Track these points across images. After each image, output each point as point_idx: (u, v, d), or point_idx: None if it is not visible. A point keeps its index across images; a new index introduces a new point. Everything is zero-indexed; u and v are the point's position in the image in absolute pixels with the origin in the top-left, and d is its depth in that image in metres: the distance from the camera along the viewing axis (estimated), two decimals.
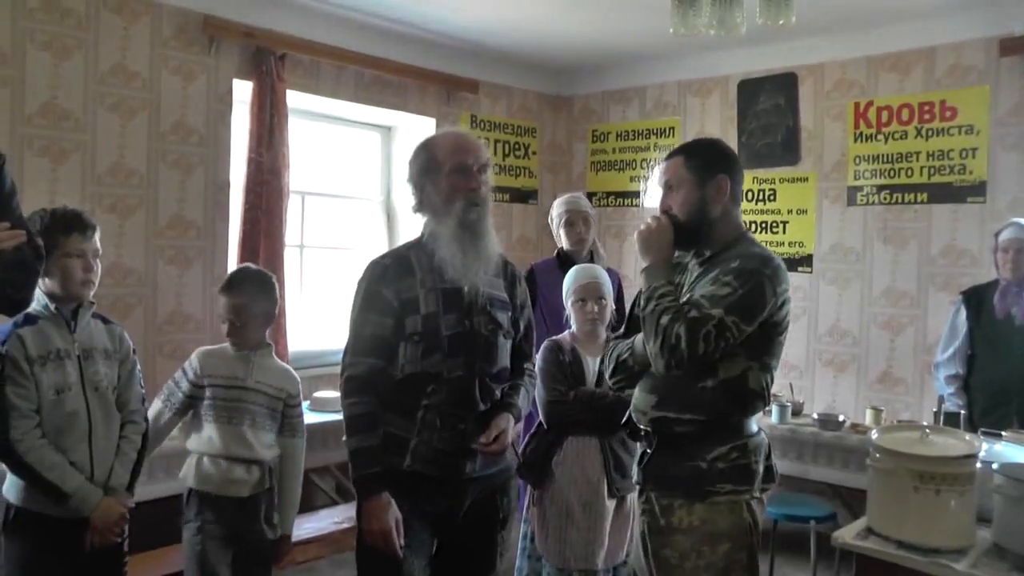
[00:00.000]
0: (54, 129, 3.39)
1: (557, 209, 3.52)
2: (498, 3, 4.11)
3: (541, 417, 2.72)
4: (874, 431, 2.10)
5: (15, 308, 1.91)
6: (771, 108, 4.72)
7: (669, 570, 1.89)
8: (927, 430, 2.01)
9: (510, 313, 2.20)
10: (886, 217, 4.35)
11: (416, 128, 4.79)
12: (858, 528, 2.02)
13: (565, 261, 3.37)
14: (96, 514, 2.11)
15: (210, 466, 2.41)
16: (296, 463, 2.59)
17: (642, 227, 1.98)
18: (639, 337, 1.95)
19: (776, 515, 3.49)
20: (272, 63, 3.95)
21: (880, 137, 4.36)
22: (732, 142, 4.42)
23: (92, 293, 2.20)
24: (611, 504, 2.65)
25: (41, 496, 2.06)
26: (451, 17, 4.34)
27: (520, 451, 2.64)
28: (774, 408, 3.90)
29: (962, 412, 2.99)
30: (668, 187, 2.01)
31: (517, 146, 5.46)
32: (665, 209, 2.00)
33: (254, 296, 2.49)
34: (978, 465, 1.91)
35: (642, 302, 1.90)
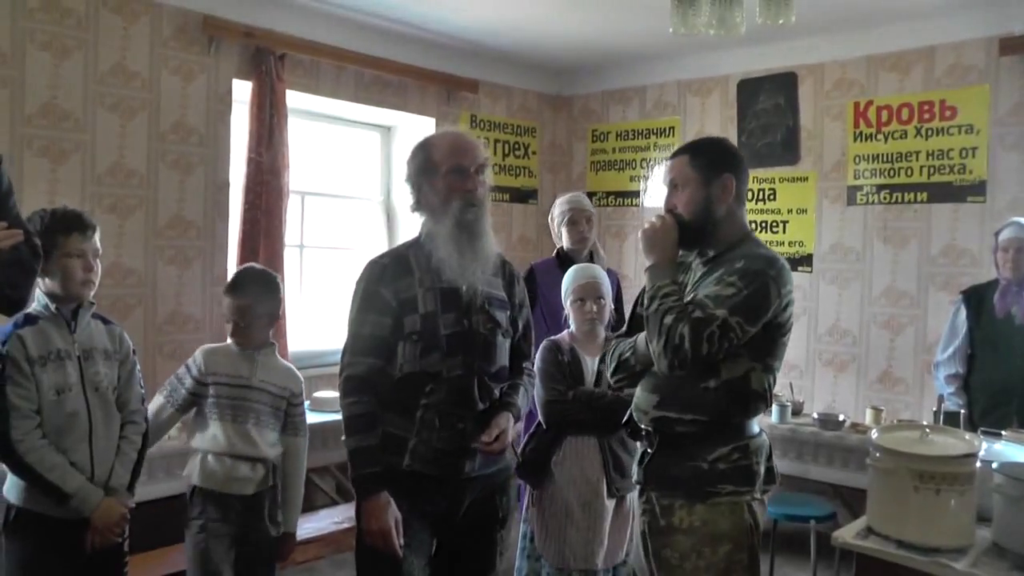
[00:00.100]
0: (54, 129, 3.39)
1: (560, 208, 3.52)
2: (498, 3, 4.11)
3: (540, 417, 2.72)
4: (874, 431, 2.10)
5: (13, 308, 1.91)
6: (771, 108, 4.72)
7: (669, 570, 1.89)
8: (927, 430, 2.01)
9: (508, 312, 2.20)
10: (886, 217, 4.35)
11: (416, 128, 4.79)
12: (858, 528, 2.02)
13: (565, 261, 3.36)
14: (97, 514, 2.11)
15: (215, 464, 2.41)
16: (299, 461, 2.59)
17: (646, 225, 1.97)
18: (642, 336, 1.95)
19: (776, 515, 3.49)
20: (272, 63, 3.95)
21: (880, 137, 4.36)
22: (732, 142, 4.41)
23: (92, 293, 2.20)
24: (610, 504, 2.65)
25: (42, 496, 2.06)
26: (451, 17, 4.34)
27: (519, 451, 2.64)
28: (774, 408, 3.91)
29: (962, 411, 2.99)
30: (673, 186, 2.00)
31: (517, 146, 5.46)
32: (670, 208, 1.99)
33: (259, 296, 2.49)
34: (978, 464, 1.91)
35: (646, 301, 1.89)
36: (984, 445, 2.09)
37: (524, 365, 2.30)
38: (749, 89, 4.80)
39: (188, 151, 3.81)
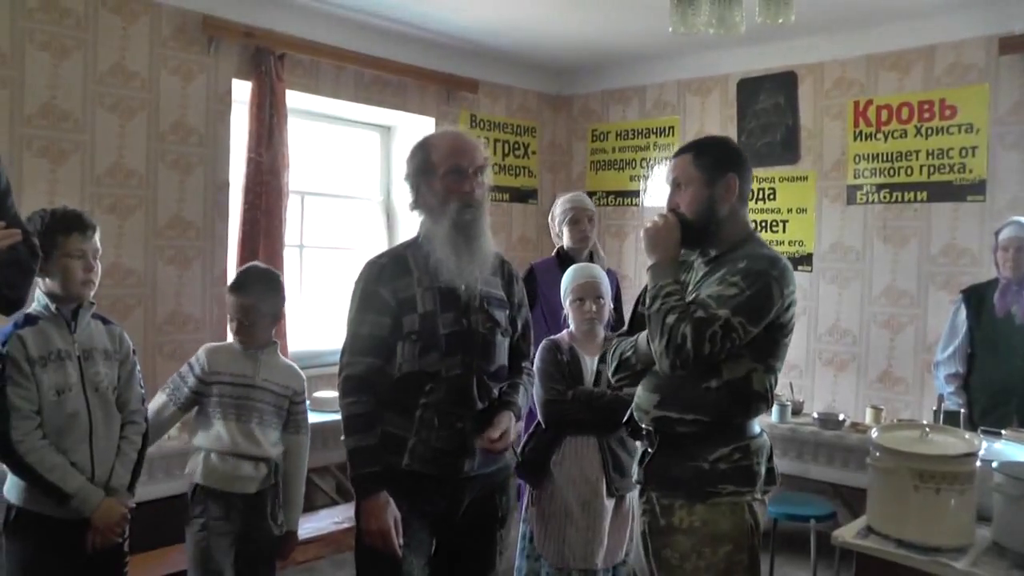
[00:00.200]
0: (53, 129, 3.38)
1: (561, 207, 3.51)
2: (498, 3, 4.11)
3: (539, 417, 2.72)
4: (874, 430, 2.10)
5: (11, 307, 1.91)
6: (771, 107, 4.72)
7: (669, 570, 1.89)
8: (927, 429, 2.01)
9: (507, 311, 2.20)
10: (886, 216, 4.35)
11: (416, 128, 4.78)
12: (858, 527, 2.02)
13: (565, 260, 3.36)
14: (97, 514, 2.11)
15: (218, 462, 2.41)
16: (301, 460, 2.60)
17: (649, 224, 1.96)
18: (643, 335, 1.94)
19: (776, 514, 3.49)
20: (271, 63, 3.95)
21: (880, 136, 4.36)
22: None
23: (92, 293, 2.20)
24: (610, 503, 2.65)
25: (42, 497, 2.06)
26: (451, 17, 4.33)
27: (519, 450, 2.64)
28: (774, 407, 3.91)
29: (962, 411, 2.99)
30: (676, 185, 1.99)
31: (517, 146, 5.46)
32: (673, 207, 1.98)
33: (262, 296, 2.49)
34: (978, 464, 1.91)
35: (648, 300, 1.89)
36: (984, 444, 2.09)
37: (523, 364, 2.30)
38: (749, 88, 4.80)
39: (188, 151, 3.81)
